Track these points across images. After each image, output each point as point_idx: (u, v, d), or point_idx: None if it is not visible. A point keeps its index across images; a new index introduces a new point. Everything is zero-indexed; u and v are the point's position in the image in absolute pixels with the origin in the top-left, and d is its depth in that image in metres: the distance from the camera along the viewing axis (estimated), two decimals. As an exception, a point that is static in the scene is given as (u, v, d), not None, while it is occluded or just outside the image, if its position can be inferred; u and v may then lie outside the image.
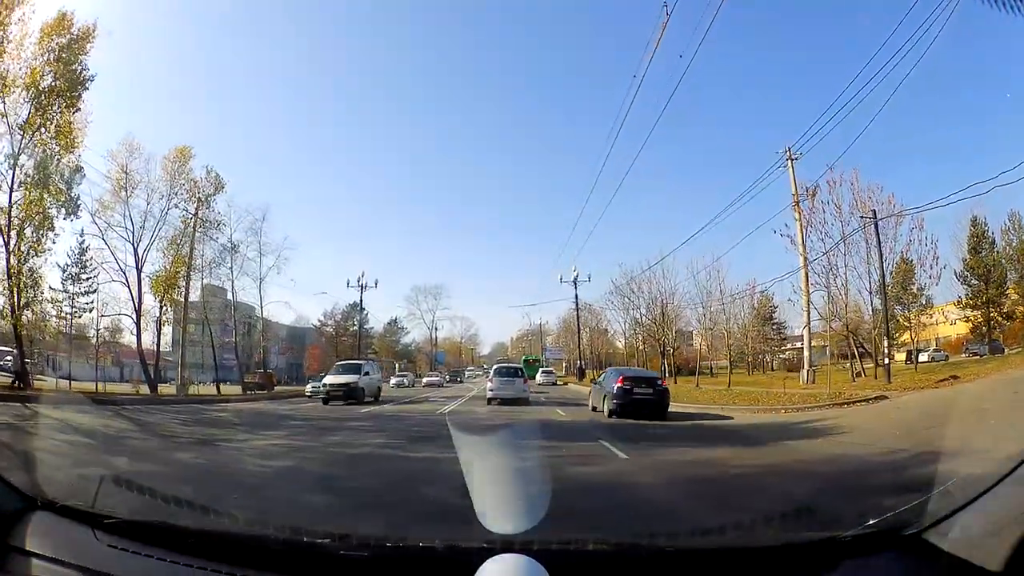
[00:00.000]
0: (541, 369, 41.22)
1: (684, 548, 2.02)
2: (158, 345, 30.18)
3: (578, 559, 1.73)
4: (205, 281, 32.26)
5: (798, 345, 47.25)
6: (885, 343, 19.44)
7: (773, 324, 41.23)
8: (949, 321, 40.81)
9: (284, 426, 12.83)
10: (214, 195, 29.08)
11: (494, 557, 1.49)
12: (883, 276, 20.14)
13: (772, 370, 44.58)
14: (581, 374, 46.96)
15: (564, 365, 66.81)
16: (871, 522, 1.77)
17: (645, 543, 2.17)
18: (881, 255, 19.90)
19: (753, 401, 16.95)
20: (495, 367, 23.96)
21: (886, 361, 18.44)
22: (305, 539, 1.96)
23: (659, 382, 15.24)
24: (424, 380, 41.64)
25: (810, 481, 6.13)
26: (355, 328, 47.63)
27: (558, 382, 41.68)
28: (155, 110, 63.54)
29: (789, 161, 25.29)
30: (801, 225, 23.87)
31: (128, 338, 29.65)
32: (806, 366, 23.04)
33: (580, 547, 1.83)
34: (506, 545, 1.62)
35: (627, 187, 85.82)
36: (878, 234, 19.96)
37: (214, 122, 71.74)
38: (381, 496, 5.34)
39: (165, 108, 64.28)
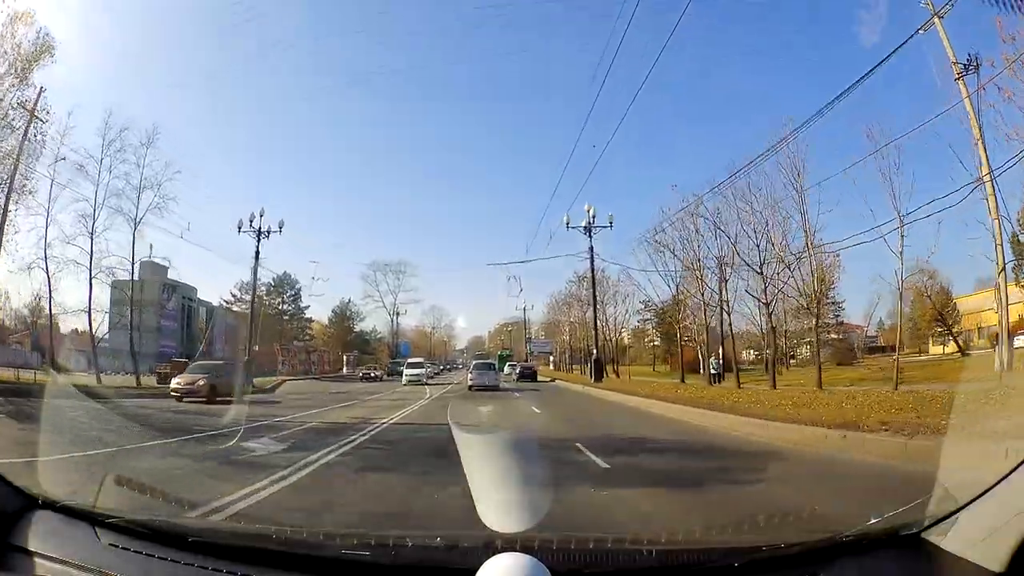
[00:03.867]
0: (508, 363, 47.19)
1: (685, 547, 2.00)
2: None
3: (579, 557, 1.71)
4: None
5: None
6: None
7: (830, 303, 31.90)
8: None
9: None
10: (35, 64, 18.66)
11: (496, 556, 1.47)
12: None
13: (805, 364, 35.01)
14: (599, 370, 31.80)
15: (551, 360, 56.80)
16: (871, 522, 1.78)
17: (646, 542, 2.09)
18: None
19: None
20: (473, 363, 29.49)
21: None
22: (306, 538, 1.96)
23: (534, 369, 41.43)
24: None
25: None
26: (285, 306, 36.84)
27: (539, 377, 42.03)
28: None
29: (936, 19, 16.23)
30: (974, 111, 14.71)
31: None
32: (1004, 347, 13.74)
33: (581, 546, 1.81)
34: (507, 543, 1.61)
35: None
36: None
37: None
38: None
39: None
